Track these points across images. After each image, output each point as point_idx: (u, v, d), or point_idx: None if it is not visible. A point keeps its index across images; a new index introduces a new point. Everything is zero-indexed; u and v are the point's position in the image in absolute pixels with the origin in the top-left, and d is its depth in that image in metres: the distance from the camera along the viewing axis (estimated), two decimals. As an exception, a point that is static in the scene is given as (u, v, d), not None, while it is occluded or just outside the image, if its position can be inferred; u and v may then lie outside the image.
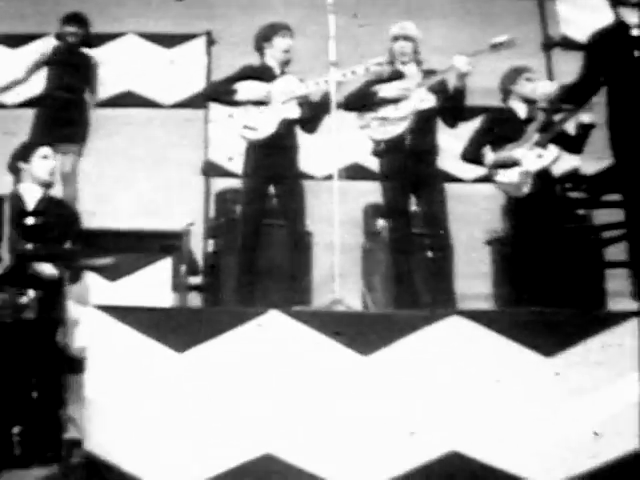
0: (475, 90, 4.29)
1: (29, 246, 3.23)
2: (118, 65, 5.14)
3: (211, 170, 5.10)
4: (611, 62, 3.63)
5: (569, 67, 4.93)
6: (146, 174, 5.11)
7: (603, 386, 2.50)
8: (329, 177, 4.27)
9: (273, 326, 2.57)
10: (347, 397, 2.60)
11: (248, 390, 2.53)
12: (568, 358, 2.50)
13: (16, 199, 3.44)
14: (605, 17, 4.71)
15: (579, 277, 4.19)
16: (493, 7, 5.52)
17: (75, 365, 3.20)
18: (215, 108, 4.87)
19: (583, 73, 3.85)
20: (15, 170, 3.55)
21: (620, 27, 3.69)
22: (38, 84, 4.87)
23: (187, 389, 2.50)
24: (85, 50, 4.64)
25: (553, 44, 5.55)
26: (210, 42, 5.34)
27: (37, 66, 4.67)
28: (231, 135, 4.17)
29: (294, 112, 3.89)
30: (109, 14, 5.16)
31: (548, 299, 4.01)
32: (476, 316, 2.64)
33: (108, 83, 4.94)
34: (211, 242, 4.55)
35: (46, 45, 4.69)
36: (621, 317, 2.52)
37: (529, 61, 4.95)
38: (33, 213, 3.37)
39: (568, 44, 5.52)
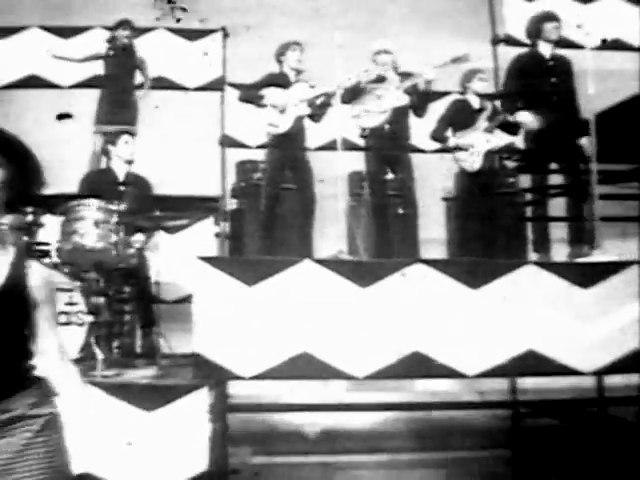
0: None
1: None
2: (152, 54, 6.32)
3: (227, 142, 6.39)
4: (530, 83, 5.01)
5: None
6: (174, 146, 6.36)
7: (506, 306, 3.99)
8: (324, 148, 5.73)
9: (307, 269, 3.99)
10: (353, 314, 4.04)
11: (294, 308, 3.94)
12: (487, 290, 3.99)
13: (111, 173, 4.76)
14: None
15: (508, 229, 5.67)
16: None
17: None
18: (230, 92, 6.18)
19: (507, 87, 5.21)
20: (106, 152, 4.86)
21: (537, 56, 5.04)
22: (88, 70, 6.09)
23: (256, 311, 3.90)
24: (135, 48, 5.88)
25: (499, 40, 6.93)
26: (225, 35, 6.58)
27: (94, 58, 5.87)
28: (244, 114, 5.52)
29: (305, 110, 5.23)
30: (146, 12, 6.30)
31: (487, 245, 5.51)
32: (431, 263, 4.09)
33: (143, 69, 6.16)
34: (234, 201, 5.90)
35: (100, 41, 5.89)
36: (520, 264, 4.00)
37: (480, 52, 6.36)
38: (123, 183, 4.69)
39: (511, 41, 6.92)
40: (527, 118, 5.08)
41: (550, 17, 5.16)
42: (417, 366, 4.14)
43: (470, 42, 6.71)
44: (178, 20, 5.49)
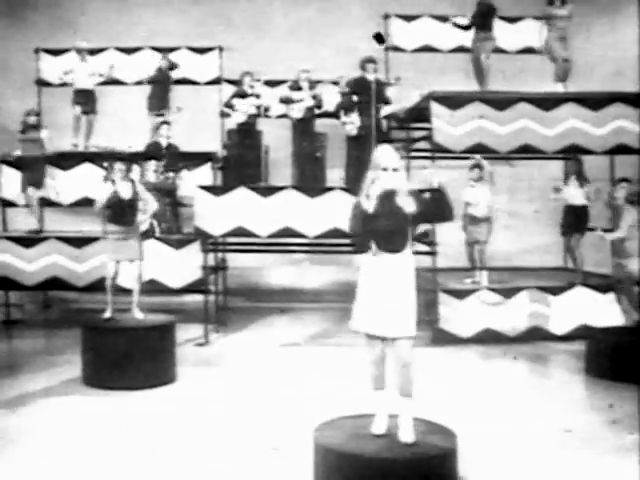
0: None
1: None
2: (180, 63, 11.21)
3: (224, 115, 11.22)
4: (360, 96, 9.64)
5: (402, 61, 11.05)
6: (192, 120, 11.23)
7: (318, 204, 8.88)
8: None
9: (243, 191, 8.94)
10: (258, 207, 8.99)
11: (236, 204, 8.93)
12: (319, 199, 8.91)
13: (159, 144, 9.75)
14: (418, 39, 10.98)
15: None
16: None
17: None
18: (226, 88, 11.02)
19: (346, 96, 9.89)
20: (156, 134, 9.85)
21: (365, 79, 9.61)
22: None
23: (219, 207, 8.88)
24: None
25: (388, 48, 11.45)
26: (221, 50, 11.39)
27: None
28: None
29: (254, 110, 10.10)
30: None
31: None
32: (296, 188, 9.04)
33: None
34: (224, 151, 10.84)
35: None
36: (332, 189, 8.93)
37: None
38: (166, 148, 9.65)
39: (396, 49, 11.51)
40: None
41: (370, 60, 9.75)
42: (287, 231, 9.01)
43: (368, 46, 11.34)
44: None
